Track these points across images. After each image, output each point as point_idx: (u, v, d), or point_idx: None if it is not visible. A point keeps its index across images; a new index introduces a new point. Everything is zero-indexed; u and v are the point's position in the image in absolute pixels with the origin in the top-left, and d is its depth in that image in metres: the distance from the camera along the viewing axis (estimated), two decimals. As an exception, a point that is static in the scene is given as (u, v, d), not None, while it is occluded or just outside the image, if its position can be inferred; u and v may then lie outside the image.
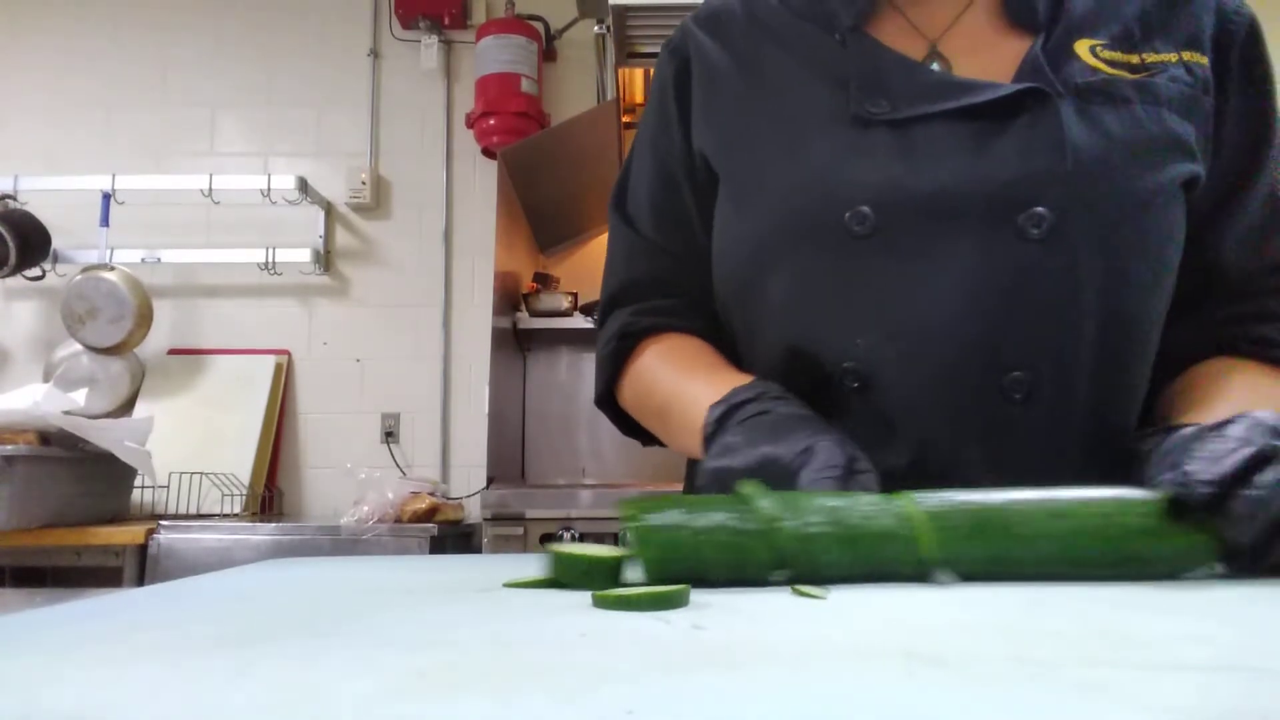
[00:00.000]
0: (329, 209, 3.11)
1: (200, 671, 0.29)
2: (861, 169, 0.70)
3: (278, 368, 3.01)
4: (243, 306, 3.09)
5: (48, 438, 2.19)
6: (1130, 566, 0.51)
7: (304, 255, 3.00)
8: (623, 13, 2.13)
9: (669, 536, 0.48)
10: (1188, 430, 0.58)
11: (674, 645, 0.32)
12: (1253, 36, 0.74)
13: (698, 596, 0.44)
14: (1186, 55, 0.72)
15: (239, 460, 2.77)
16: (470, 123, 3.00)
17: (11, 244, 2.79)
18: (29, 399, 2.16)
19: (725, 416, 0.67)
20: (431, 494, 2.42)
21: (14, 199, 2.93)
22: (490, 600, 0.45)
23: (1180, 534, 0.51)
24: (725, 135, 0.79)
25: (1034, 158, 0.67)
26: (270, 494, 2.89)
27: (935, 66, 0.74)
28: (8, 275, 2.85)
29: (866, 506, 0.50)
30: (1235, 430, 0.53)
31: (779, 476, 0.58)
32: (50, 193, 2.94)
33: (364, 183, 3.07)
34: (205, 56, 3.18)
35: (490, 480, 2.51)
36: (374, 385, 3.06)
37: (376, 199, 3.11)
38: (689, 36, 0.83)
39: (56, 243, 2.94)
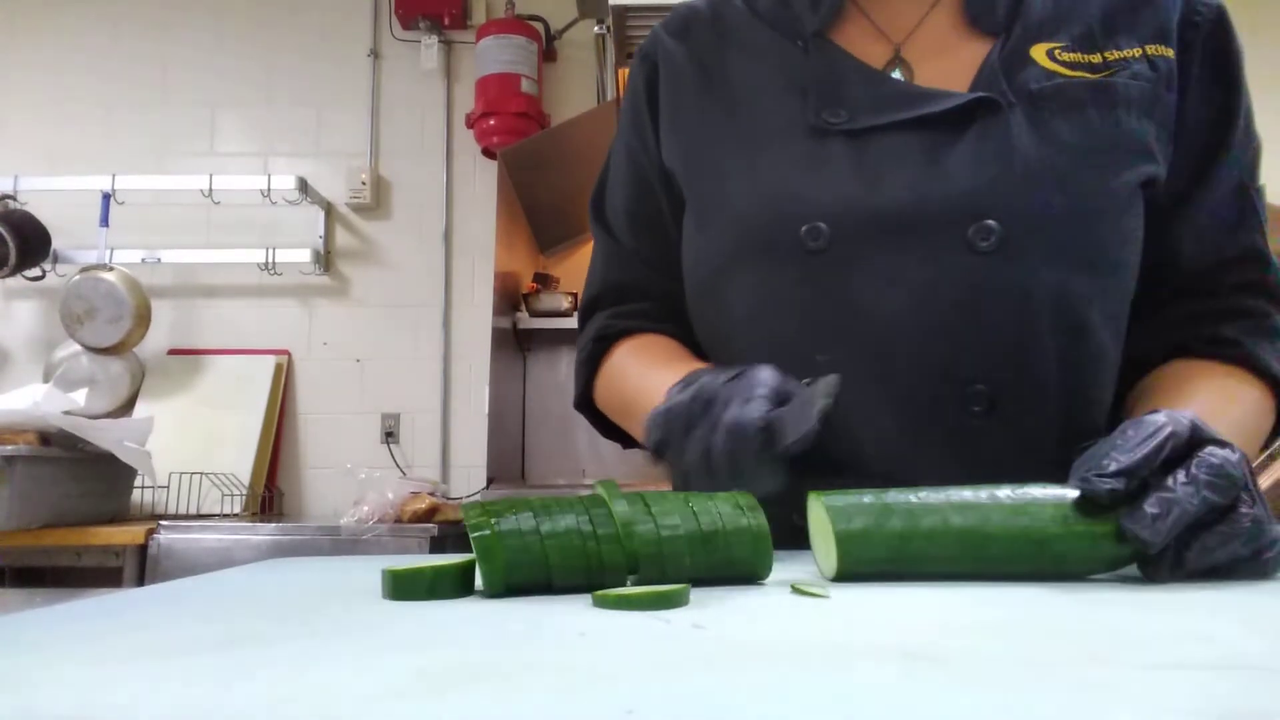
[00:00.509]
0: (329, 209, 3.10)
1: (200, 671, 0.29)
2: (817, 184, 0.70)
3: (278, 368, 3.01)
4: (242, 307, 3.09)
5: (48, 438, 2.19)
6: (1041, 564, 0.51)
7: (304, 255, 3.00)
8: (623, 13, 2.13)
9: (516, 543, 0.45)
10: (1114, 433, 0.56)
11: (674, 645, 0.32)
12: (1220, 26, 0.73)
13: (698, 596, 0.44)
14: (1150, 49, 0.71)
15: (239, 460, 2.77)
16: (470, 123, 3.00)
17: (11, 244, 2.79)
18: (29, 399, 2.16)
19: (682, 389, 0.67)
20: (431, 494, 2.42)
21: (14, 199, 2.93)
22: (490, 600, 0.45)
23: (1096, 533, 0.50)
24: (689, 148, 0.79)
25: (983, 169, 0.67)
26: (270, 494, 2.89)
27: (898, 72, 0.74)
28: (8, 275, 2.85)
29: (725, 507, 0.49)
30: (1155, 419, 0.52)
31: (709, 403, 0.60)
32: (50, 193, 2.94)
33: (364, 183, 3.07)
34: (205, 56, 3.18)
35: (490, 480, 2.51)
36: (374, 385, 3.06)
37: (376, 199, 3.11)
38: (658, 43, 0.84)
39: (56, 243, 2.94)
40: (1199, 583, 0.50)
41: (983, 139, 0.68)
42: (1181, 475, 0.49)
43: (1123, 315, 0.72)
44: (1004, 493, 0.52)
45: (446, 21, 3.09)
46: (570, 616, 0.39)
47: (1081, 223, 0.68)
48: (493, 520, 0.46)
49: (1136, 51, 0.71)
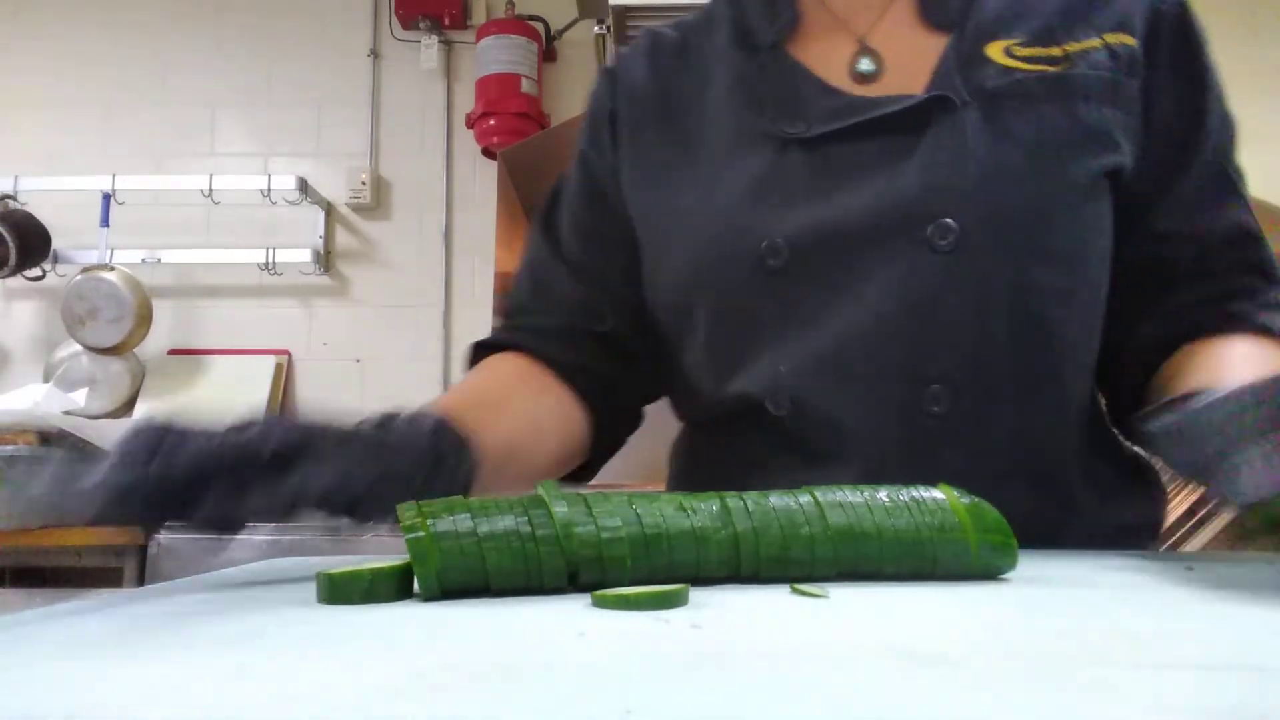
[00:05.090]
0: (329, 209, 3.10)
1: (200, 671, 0.29)
2: (774, 201, 0.70)
3: (278, 368, 3.01)
4: (242, 307, 3.09)
5: (48, 438, 2.19)
6: (901, 565, 0.49)
7: (304, 255, 2.99)
8: (623, 13, 2.13)
9: (452, 545, 0.43)
10: (1200, 402, 0.52)
11: (673, 645, 0.32)
12: (1185, 11, 0.74)
13: (697, 596, 0.44)
14: (1110, 37, 0.71)
15: (239, 460, 2.77)
16: (470, 123, 3.00)
17: (11, 244, 2.79)
18: (29, 399, 2.16)
19: None
20: (431, 494, 2.42)
21: (14, 199, 2.93)
22: (489, 600, 0.45)
23: (961, 539, 0.49)
24: (644, 179, 0.79)
25: (939, 170, 0.67)
26: (270, 494, 2.89)
27: (867, 60, 0.74)
28: (8, 275, 2.85)
29: (668, 508, 0.47)
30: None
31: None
32: (50, 193, 2.93)
33: (364, 183, 3.07)
34: (205, 56, 3.18)
35: (490, 480, 2.51)
36: (374, 385, 3.05)
37: (376, 199, 3.11)
38: (624, 62, 0.84)
39: (56, 243, 2.94)
40: (1196, 583, 0.50)
41: (938, 140, 0.68)
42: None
43: (1093, 309, 0.72)
44: (883, 494, 0.50)
45: (446, 21, 3.09)
46: (569, 616, 0.39)
47: (1039, 217, 0.68)
48: (428, 522, 0.44)
49: (1097, 42, 0.71)
